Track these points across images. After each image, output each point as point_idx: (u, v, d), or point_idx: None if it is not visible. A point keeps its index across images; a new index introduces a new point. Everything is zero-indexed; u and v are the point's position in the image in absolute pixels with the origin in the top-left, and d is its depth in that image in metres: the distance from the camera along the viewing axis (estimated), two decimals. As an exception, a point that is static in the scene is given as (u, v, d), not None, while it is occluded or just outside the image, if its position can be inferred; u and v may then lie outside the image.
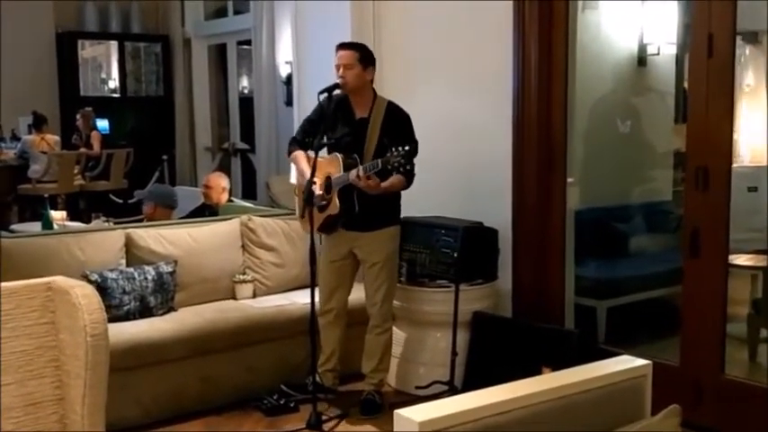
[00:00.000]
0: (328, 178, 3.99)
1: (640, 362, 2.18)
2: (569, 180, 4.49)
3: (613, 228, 5.64)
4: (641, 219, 5.80)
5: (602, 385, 2.06)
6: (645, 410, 2.15)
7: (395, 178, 3.90)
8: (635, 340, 4.75)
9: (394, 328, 4.59)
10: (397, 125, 4.02)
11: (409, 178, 3.97)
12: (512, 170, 4.52)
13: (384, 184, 3.87)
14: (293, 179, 4.49)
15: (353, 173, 3.85)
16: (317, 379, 4.19)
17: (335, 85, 3.97)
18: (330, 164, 4.02)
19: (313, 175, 3.89)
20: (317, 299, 4.09)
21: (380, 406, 4.17)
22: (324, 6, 5.42)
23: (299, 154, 4.16)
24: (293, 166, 4.33)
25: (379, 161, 3.77)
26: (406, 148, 3.70)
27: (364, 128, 4.03)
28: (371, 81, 4.10)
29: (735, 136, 3.85)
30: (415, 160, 4.17)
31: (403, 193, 4.28)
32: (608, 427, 1.98)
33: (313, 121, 4.18)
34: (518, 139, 4.48)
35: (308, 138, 4.17)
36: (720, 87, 3.68)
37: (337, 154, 4.00)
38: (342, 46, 4.06)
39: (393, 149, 3.72)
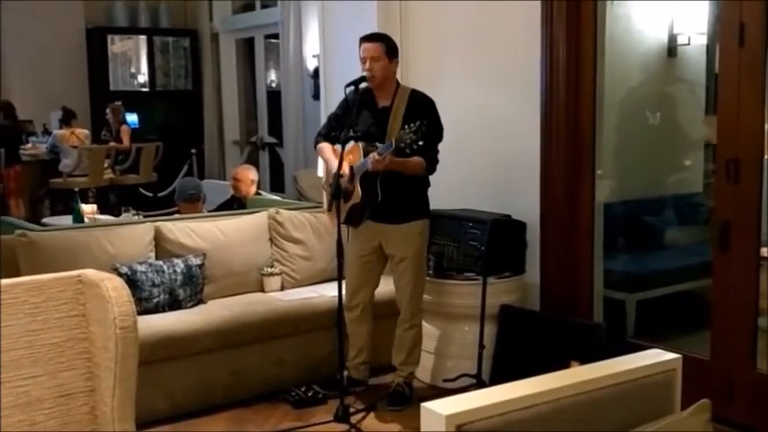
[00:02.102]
0: (351, 167, 3.97)
1: (670, 356, 2.16)
2: (598, 172, 4.46)
3: (642, 220, 5.59)
4: (671, 211, 5.73)
5: (631, 379, 2.04)
6: (674, 405, 2.13)
7: (413, 158, 3.86)
8: (664, 334, 4.70)
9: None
10: (421, 110, 3.96)
11: (430, 162, 3.98)
12: (540, 163, 4.49)
13: (396, 159, 3.80)
14: (320, 172, 4.49)
15: (370, 157, 3.82)
16: (349, 373, 4.24)
17: (362, 78, 3.97)
18: (352, 153, 3.99)
19: (340, 167, 3.87)
20: (344, 291, 4.09)
21: (409, 398, 4.17)
22: (350, 0, 5.42)
23: (325, 144, 4.18)
24: (320, 160, 4.35)
25: (393, 140, 3.74)
26: (418, 123, 3.66)
27: (386, 116, 4.02)
28: (395, 73, 4.11)
29: (767, 127, 3.78)
30: (445, 153, 4.17)
31: (431, 185, 4.28)
32: (637, 421, 1.96)
33: (339, 116, 4.18)
34: (546, 132, 4.46)
35: (333, 132, 4.18)
36: (752, 77, 3.63)
37: (359, 143, 3.96)
38: (367, 38, 4.05)
39: (405, 126, 3.71)
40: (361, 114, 4.04)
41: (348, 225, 4.12)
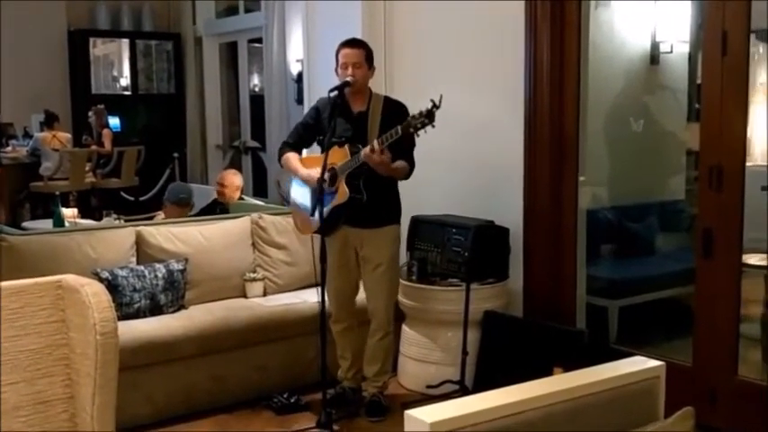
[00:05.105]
0: (332, 168, 3.90)
1: (653, 363, 2.16)
2: (581, 179, 4.46)
3: (625, 227, 5.61)
4: (654, 218, 5.76)
5: (615, 387, 2.04)
6: (658, 412, 2.13)
7: (400, 163, 3.91)
8: (647, 340, 4.72)
9: (404, 327, 4.58)
10: (398, 115, 3.93)
11: (412, 167, 4.00)
12: (523, 169, 4.49)
13: (393, 165, 3.85)
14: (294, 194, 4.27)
15: (367, 148, 3.77)
16: (344, 385, 4.24)
17: (345, 84, 3.95)
18: (335, 156, 3.90)
19: (323, 172, 3.82)
20: (327, 304, 4.02)
21: (386, 407, 4.15)
22: (335, 4, 5.41)
23: (291, 155, 4.12)
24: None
25: (399, 128, 3.69)
26: (428, 107, 3.63)
27: (364, 120, 4.00)
28: (369, 80, 4.11)
29: (748, 134, 3.81)
30: (428, 159, 4.17)
31: (414, 191, 4.26)
32: (621, 429, 1.96)
33: (308, 125, 4.14)
34: (530, 137, 4.46)
35: (302, 141, 4.18)
36: (734, 86, 3.65)
37: (344, 146, 3.91)
38: (350, 44, 4.03)
39: (413, 114, 3.68)
40: (335, 121, 3.95)
41: (321, 234, 3.97)
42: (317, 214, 3.86)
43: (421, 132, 3.72)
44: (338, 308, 4.15)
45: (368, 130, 3.97)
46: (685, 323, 4.07)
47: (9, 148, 9.82)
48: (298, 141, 4.19)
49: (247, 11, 9.68)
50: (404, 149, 3.91)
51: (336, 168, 3.90)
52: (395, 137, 3.71)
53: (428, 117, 3.63)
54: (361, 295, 4.26)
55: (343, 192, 3.89)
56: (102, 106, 9.95)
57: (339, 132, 3.97)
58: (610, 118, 5.39)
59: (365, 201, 3.90)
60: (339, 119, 3.97)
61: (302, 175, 4.02)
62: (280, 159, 4.18)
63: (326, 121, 3.97)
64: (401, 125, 3.70)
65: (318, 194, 3.82)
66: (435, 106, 3.63)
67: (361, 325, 4.27)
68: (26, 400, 2.58)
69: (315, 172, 3.90)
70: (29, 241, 4.25)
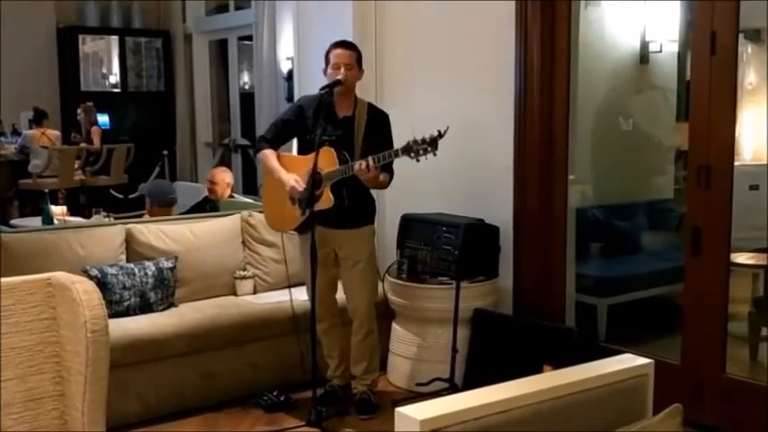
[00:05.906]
0: (318, 173, 3.87)
1: (642, 361, 2.17)
2: (571, 177, 4.48)
3: (614, 225, 5.63)
4: (642, 216, 5.79)
5: (604, 384, 2.05)
6: (646, 410, 2.14)
7: (383, 176, 3.94)
8: (636, 338, 4.74)
9: (394, 324, 4.59)
10: (381, 123, 4.03)
11: (391, 178, 4.03)
12: (513, 168, 4.51)
13: (380, 179, 3.89)
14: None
15: (361, 163, 3.76)
16: (334, 383, 4.25)
17: (337, 82, 3.95)
18: (323, 158, 3.87)
19: (314, 172, 3.81)
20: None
21: (376, 405, 4.16)
22: (326, 3, 5.41)
23: (269, 152, 4.08)
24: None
25: (399, 150, 3.70)
26: (433, 135, 3.63)
27: (350, 126, 4.00)
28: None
29: (737, 134, 3.83)
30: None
31: (405, 189, 4.27)
32: (609, 426, 1.97)
33: (288, 121, 4.13)
34: (520, 136, 4.47)
35: (280, 137, 4.16)
36: (723, 85, 3.67)
37: (332, 149, 3.88)
38: (342, 45, 4.04)
39: (415, 138, 3.67)
40: (319, 122, 3.93)
41: (298, 232, 4.03)
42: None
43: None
44: (319, 307, 4.11)
45: (354, 135, 3.99)
46: (674, 321, 4.09)
47: (-3, 146, 9.79)
48: (276, 137, 4.15)
49: (237, 8, 9.66)
50: (387, 162, 3.91)
51: (323, 175, 3.87)
52: (392, 158, 3.74)
53: (431, 145, 3.64)
54: (342, 295, 4.25)
55: (328, 198, 3.87)
56: (91, 103, 9.91)
57: (326, 134, 3.95)
58: (599, 117, 5.42)
59: (347, 206, 3.91)
60: (323, 121, 3.94)
61: (281, 177, 3.98)
62: (257, 152, 4.16)
63: (311, 120, 3.97)
64: (401, 148, 3.70)
65: (308, 200, 3.82)
66: (440, 135, 3.64)
67: (345, 324, 4.28)
68: (17, 397, 2.57)
69: (293, 180, 3.91)
70: (18, 239, 4.24)
